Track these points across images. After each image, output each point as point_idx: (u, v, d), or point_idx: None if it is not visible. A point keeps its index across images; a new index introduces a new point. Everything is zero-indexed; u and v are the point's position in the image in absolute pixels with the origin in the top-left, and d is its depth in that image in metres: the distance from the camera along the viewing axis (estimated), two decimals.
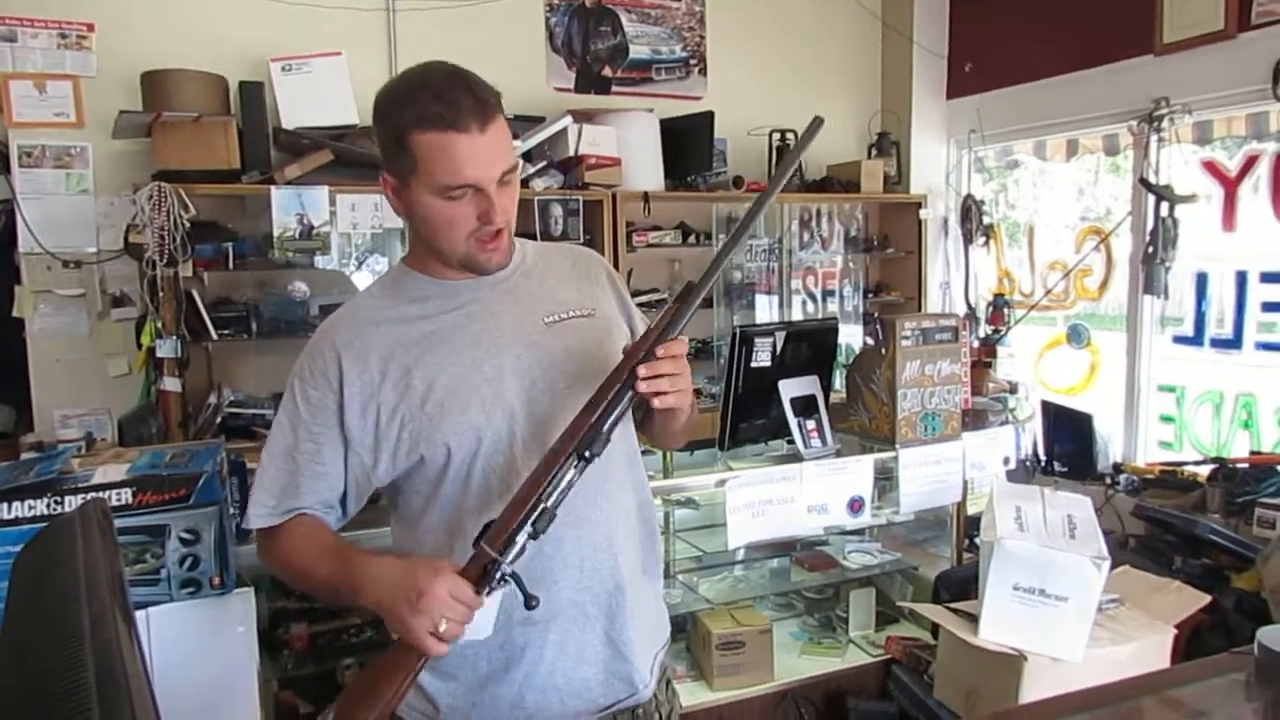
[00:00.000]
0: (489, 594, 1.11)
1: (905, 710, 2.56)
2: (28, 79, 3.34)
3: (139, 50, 3.40)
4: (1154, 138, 3.73)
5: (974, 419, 2.94)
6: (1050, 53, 4.15)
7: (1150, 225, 3.73)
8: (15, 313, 3.46)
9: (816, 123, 1.33)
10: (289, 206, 3.27)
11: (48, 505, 1.46)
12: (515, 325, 1.26)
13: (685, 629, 2.71)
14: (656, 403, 1.16)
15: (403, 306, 1.27)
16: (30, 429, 3.47)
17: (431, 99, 1.12)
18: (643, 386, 1.15)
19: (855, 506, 2.55)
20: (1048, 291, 4.38)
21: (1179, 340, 3.79)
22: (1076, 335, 4.23)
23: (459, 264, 1.24)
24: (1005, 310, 4.49)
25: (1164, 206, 3.67)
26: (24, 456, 2.16)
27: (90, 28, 3.41)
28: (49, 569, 0.74)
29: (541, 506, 1.10)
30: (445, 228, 1.19)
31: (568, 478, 1.12)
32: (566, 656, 1.25)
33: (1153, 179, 3.73)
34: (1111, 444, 3.92)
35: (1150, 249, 3.72)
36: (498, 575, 1.09)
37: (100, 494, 1.46)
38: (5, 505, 1.44)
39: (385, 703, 1.09)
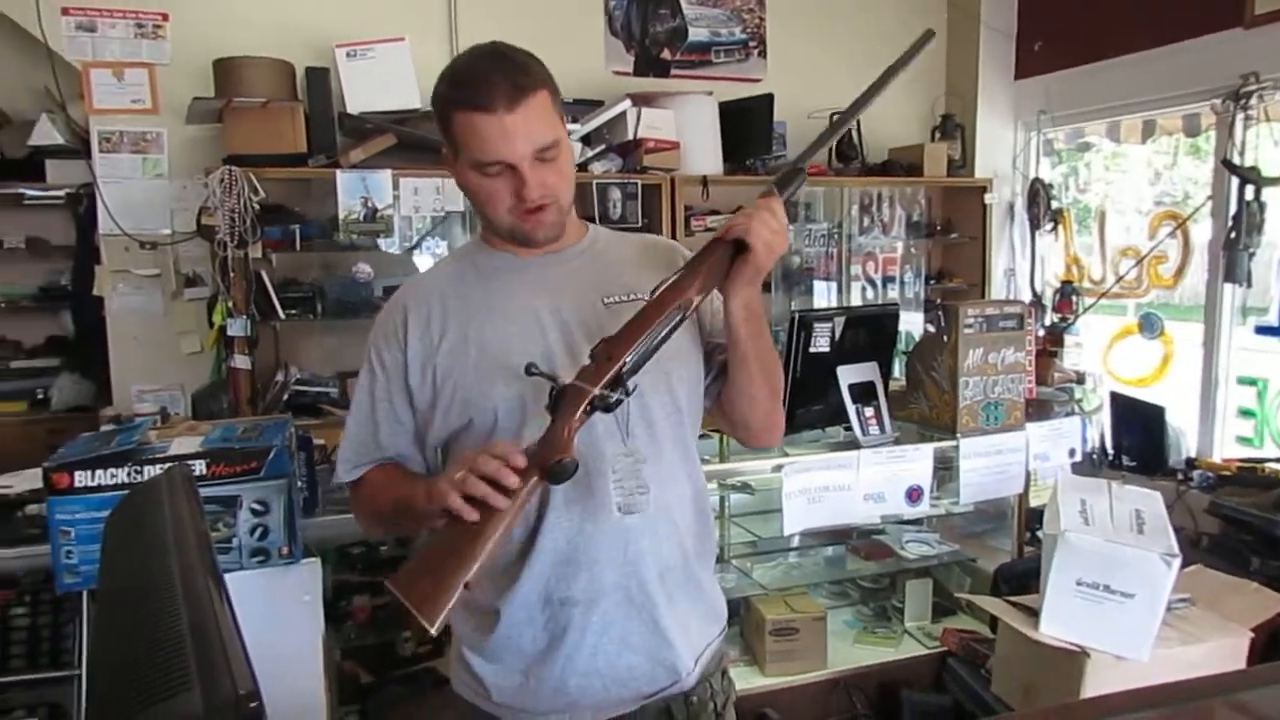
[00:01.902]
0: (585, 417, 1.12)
1: (961, 703, 2.52)
2: (107, 67, 3.46)
3: (211, 38, 3.49)
4: (1240, 116, 3.58)
5: (1038, 409, 2.87)
6: (1127, 28, 4.01)
7: (1233, 209, 3.59)
8: (96, 292, 3.60)
9: (927, 34, 1.35)
10: (353, 189, 3.34)
11: (128, 474, 1.52)
12: (575, 302, 1.27)
13: (738, 614, 2.70)
14: (756, 243, 1.16)
15: (470, 276, 1.32)
16: (109, 403, 3.61)
17: (466, 79, 1.18)
18: (736, 230, 1.17)
19: (914, 496, 2.52)
20: (1119, 279, 4.26)
21: (1262, 331, 3.65)
22: (1149, 324, 4.10)
23: (507, 236, 1.27)
24: (1073, 298, 4.38)
25: (1249, 189, 3.53)
26: (103, 428, 2.25)
27: (165, 17, 3.51)
28: (139, 528, 0.77)
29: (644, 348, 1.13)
30: (486, 201, 1.24)
31: (667, 324, 1.15)
32: (610, 641, 1.25)
33: (1237, 160, 3.58)
34: (1184, 438, 3.80)
35: (1233, 234, 3.57)
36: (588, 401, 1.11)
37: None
38: (89, 473, 1.51)
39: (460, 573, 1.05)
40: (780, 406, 1.37)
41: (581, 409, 1.11)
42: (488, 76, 1.16)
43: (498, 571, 1.25)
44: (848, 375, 2.49)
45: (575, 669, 1.24)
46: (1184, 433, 3.82)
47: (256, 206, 3.18)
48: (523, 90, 1.16)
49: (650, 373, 1.23)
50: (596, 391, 1.10)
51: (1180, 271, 4.04)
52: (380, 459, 1.32)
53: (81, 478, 1.52)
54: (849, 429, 2.52)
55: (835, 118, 1.39)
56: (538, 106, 1.18)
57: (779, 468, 2.38)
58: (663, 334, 1.15)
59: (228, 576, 1.55)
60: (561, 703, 1.25)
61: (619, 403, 1.13)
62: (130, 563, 0.72)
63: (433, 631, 1.02)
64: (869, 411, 2.52)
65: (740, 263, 1.20)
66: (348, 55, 3.47)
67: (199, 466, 1.54)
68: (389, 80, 3.47)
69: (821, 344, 2.45)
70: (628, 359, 1.12)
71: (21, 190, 4.07)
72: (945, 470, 2.68)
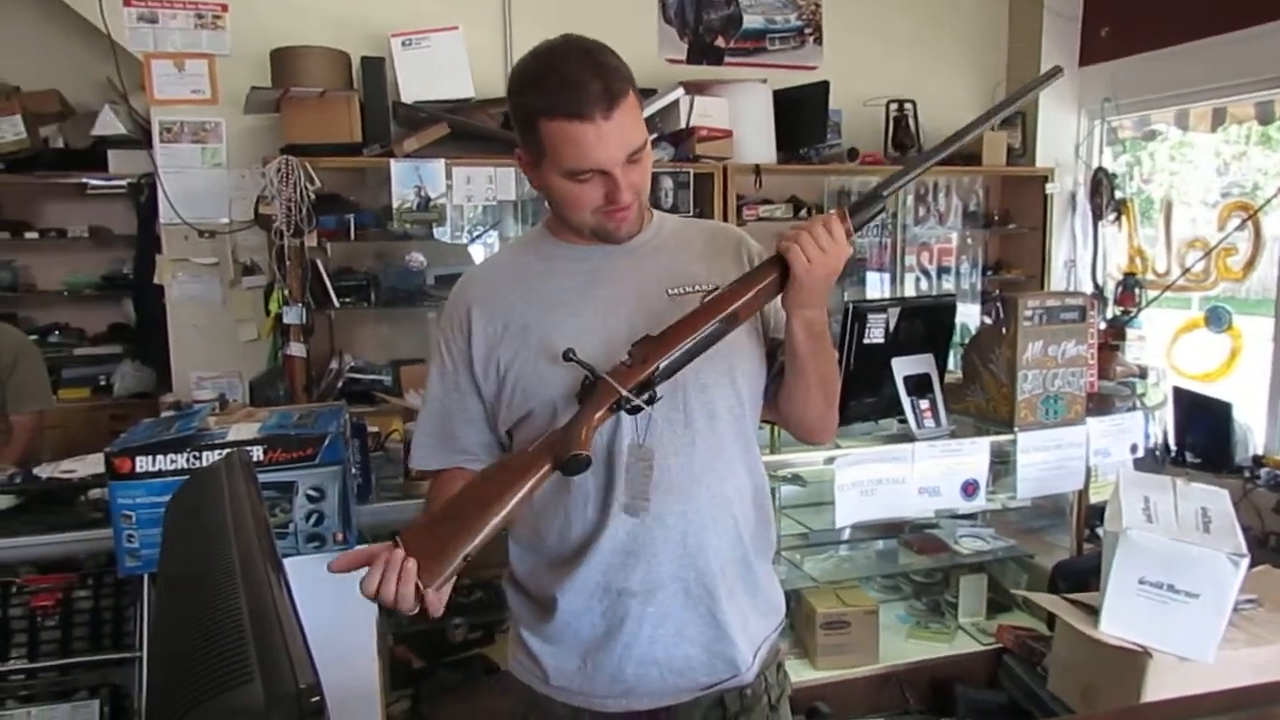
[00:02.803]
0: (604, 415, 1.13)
1: (1016, 701, 2.48)
2: (167, 58, 3.52)
3: (269, 28, 3.53)
4: None
5: (1099, 404, 2.80)
6: (1199, 12, 3.86)
7: None
8: (156, 280, 3.68)
9: (1055, 71, 1.33)
10: (407, 179, 3.36)
11: (187, 459, 1.55)
12: (639, 294, 1.26)
13: (789, 606, 2.67)
14: (795, 265, 1.14)
15: (534, 266, 1.31)
16: (169, 389, 3.69)
17: (559, 85, 1.13)
18: (780, 249, 1.15)
19: (969, 490, 2.48)
20: (1185, 271, 4.13)
21: None
22: (1216, 318, 3.96)
23: (589, 234, 1.26)
24: (1136, 291, 4.26)
25: None
26: (163, 415, 2.30)
27: (224, 8, 3.56)
28: (199, 514, 0.78)
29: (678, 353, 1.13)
30: (572, 205, 1.21)
31: (706, 333, 1.14)
32: (666, 632, 1.25)
33: None
34: (1252, 435, 3.69)
35: None
36: (613, 403, 1.12)
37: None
38: (150, 458, 1.54)
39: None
40: (835, 410, 1.35)
41: (606, 407, 1.12)
42: (581, 81, 1.12)
43: (558, 561, 1.26)
44: (903, 367, 2.45)
45: (633, 657, 1.24)
46: (1251, 429, 3.70)
47: (312, 196, 3.22)
48: (616, 96, 1.13)
49: (715, 366, 1.22)
50: (624, 394, 1.11)
51: (1250, 264, 3.91)
52: (456, 456, 1.33)
53: (142, 463, 1.55)
54: (903, 421, 2.48)
55: (915, 152, 1.36)
56: (629, 110, 1.16)
57: (831, 460, 2.35)
58: (700, 343, 1.14)
59: (285, 561, 1.58)
60: (619, 689, 1.26)
61: (639, 409, 1.13)
62: (191, 549, 0.73)
63: (428, 594, 1.03)
64: (924, 404, 2.48)
65: (789, 284, 1.18)
66: (403, 45, 3.49)
67: (256, 452, 1.57)
68: (443, 69, 3.48)
69: (876, 335, 2.41)
70: (661, 364, 1.12)
71: (85, 180, 4.18)
72: (1002, 464, 2.63)
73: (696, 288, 1.25)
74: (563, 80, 1.12)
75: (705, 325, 1.14)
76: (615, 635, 1.24)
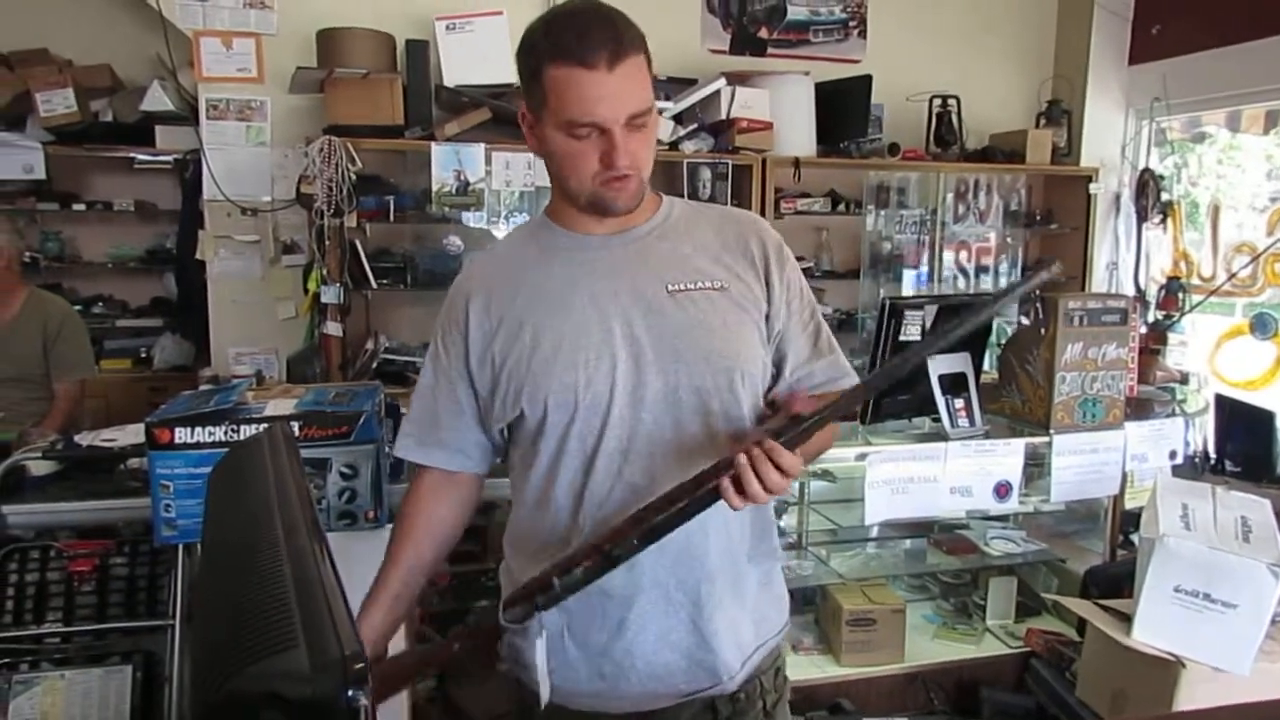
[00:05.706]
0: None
1: (1043, 706, 2.45)
2: (216, 36, 3.56)
3: (315, 9, 3.56)
4: None
5: (1138, 408, 2.75)
6: (1255, 10, 3.77)
7: None
8: (198, 256, 3.73)
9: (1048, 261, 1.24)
10: (447, 162, 3.38)
11: (225, 432, 1.57)
12: (635, 288, 1.21)
13: (814, 602, 2.68)
14: (729, 497, 1.07)
15: (532, 256, 1.27)
16: (208, 364, 3.75)
17: (567, 31, 1.13)
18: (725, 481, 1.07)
19: (1002, 491, 2.45)
20: (1231, 276, 4.04)
21: None
22: (1262, 325, 3.88)
23: (586, 203, 1.21)
24: (1180, 295, 4.18)
25: None
26: (201, 388, 2.33)
27: None
28: (243, 485, 0.79)
29: (555, 581, 1.13)
30: (570, 165, 1.17)
31: (583, 568, 1.12)
32: (646, 638, 1.21)
33: None
34: None
35: None
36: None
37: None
38: (189, 430, 1.57)
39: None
40: (830, 437, 1.32)
41: None
42: (591, 31, 1.11)
43: (540, 561, 1.21)
44: (938, 365, 2.42)
45: (610, 658, 1.22)
46: None
47: (353, 176, 3.24)
48: (625, 50, 1.11)
49: (716, 370, 1.19)
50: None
51: None
52: (435, 446, 1.30)
53: (181, 434, 1.57)
54: (937, 420, 2.45)
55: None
56: (637, 69, 1.13)
57: (863, 456, 2.33)
58: None
59: None
60: (597, 687, 1.24)
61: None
62: (235, 518, 0.74)
63: None
64: (959, 403, 2.45)
65: None
66: (447, 28, 3.50)
67: (293, 428, 1.58)
68: (486, 54, 3.49)
69: (912, 332, 2.38)
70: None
71: (132, 155, 4.24)
72: (1036, 467, 2.60)
73: (699, 284, 1.22)
74: (572, 28, 1.12)
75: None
76: (593, 633, 1.22)
